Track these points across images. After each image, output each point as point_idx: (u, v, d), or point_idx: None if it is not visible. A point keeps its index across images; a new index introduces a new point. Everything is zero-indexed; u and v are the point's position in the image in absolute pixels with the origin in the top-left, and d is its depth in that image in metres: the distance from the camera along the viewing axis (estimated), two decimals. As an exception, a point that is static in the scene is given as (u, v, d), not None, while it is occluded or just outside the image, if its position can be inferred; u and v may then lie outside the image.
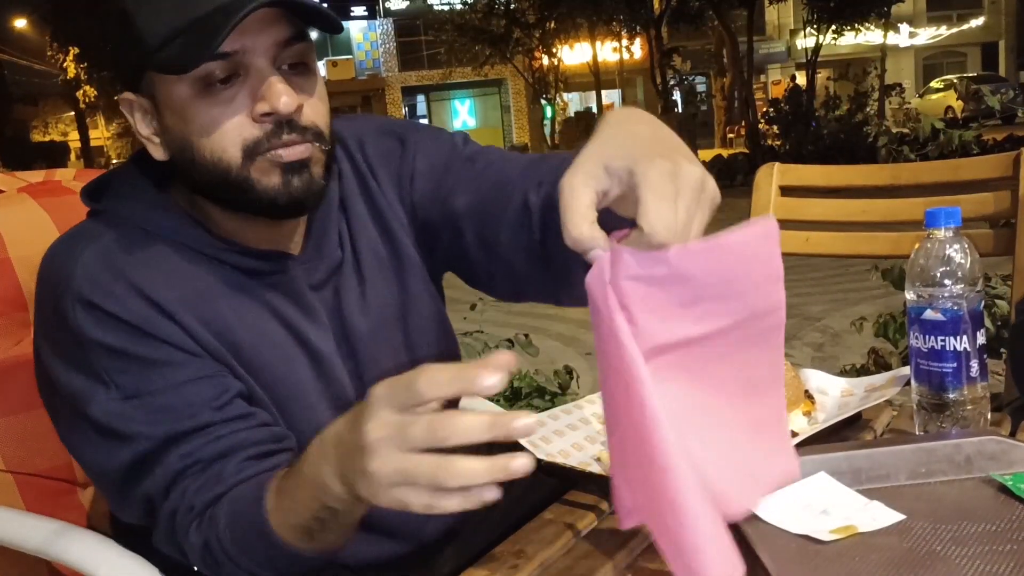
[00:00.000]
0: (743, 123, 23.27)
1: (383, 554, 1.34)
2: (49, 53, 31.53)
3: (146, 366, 1.13)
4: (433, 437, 0.83)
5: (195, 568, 1.14)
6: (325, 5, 1.19)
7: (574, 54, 24.29)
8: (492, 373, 0.82)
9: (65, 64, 30.70)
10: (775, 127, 19.34)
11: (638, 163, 0.90)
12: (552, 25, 21.91)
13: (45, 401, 1.24)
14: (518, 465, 0.82)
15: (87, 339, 1.12)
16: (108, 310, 1.13)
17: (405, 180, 1.38)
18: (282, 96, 1.12)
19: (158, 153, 1.20)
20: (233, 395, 1.16)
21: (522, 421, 0.82)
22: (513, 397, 3.51)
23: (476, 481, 0.83)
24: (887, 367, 3.45)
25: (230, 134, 1.13)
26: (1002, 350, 2.28)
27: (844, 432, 1.40)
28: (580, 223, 0.90)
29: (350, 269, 1.32)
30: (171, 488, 1.12)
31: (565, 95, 25.30)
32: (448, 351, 1.43)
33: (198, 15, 1.09)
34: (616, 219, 0.93)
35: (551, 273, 1.25)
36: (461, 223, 1.32)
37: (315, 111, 1.18)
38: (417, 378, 0.83)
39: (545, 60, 23.01)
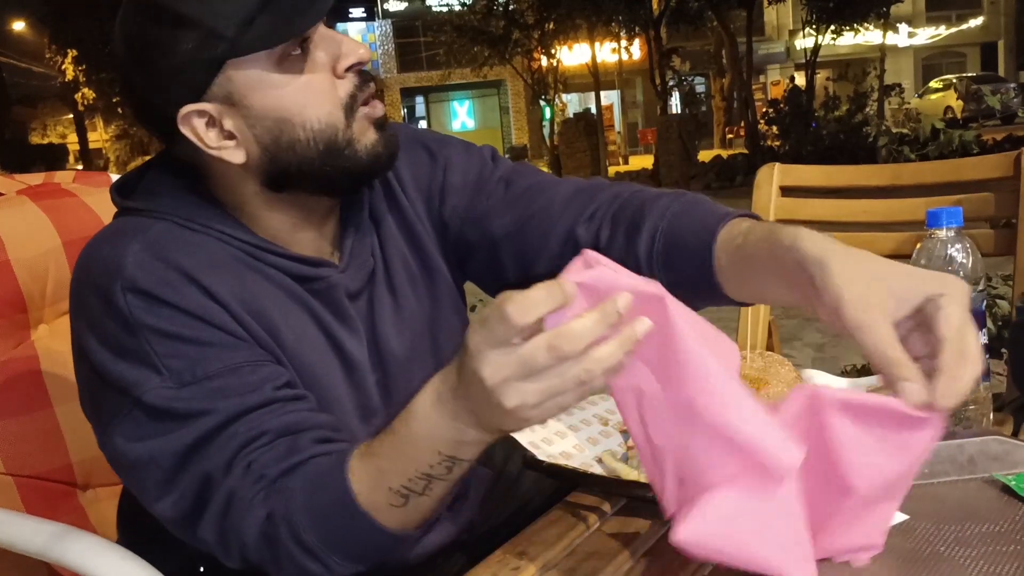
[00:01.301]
0: (742, 124, 23.27)
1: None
2: (48, 55, 31.51)
3: (202, 349, 1.11)
4: (559, 355, 0.87)
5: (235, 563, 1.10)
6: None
7: (573, 55, 24.25)
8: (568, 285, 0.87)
9: (64, 66, 30.69)
10: (774, 128, 19.35)
11: (946, 300, 0.91)
12: (551, 26, 21.84)
13: (85, 397, 1.21)
14: (642, 328, 0.88)
15: (140, 325, 1.10)
16: (162, 297, 1.10)
17: (435, 194, 1.38)
18: (359, 47, 1.18)
19: (237, 156, 1.17)
20: (287, 380, 1.15)
21: (624, 299, 0.87)
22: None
23: (615, 361, 0.88)
24: (888, 367, 3.45)
25: (329, 95, 1.17)
26: (1003, 350, 2.27)
27: (846, 433, 1.40)
28: (905, 365, 0.90)
29: (382, 280, 1.32)
30: (234, 460, 1.07)
31: (564, 96, 25.30)
32: None
33: None
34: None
35: None
36: (499, 245, 1.34)
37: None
38: (505, 309, 0.86)
39: (544, 61, 22.98)
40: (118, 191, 1.24)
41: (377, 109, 1.22)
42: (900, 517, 1.05)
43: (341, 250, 1.29)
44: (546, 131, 24.29)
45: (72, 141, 38.60)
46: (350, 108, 1.18)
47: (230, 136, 1.16)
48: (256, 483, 1.07)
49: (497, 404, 0.90)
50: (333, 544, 1.05)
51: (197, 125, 1.15)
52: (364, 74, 1.20)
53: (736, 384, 0.90)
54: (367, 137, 1.20)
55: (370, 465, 1.04)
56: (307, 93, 1.16)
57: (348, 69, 1.18)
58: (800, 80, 24.01)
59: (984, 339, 1.26)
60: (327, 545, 1.05)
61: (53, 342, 1.58)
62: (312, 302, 1.23)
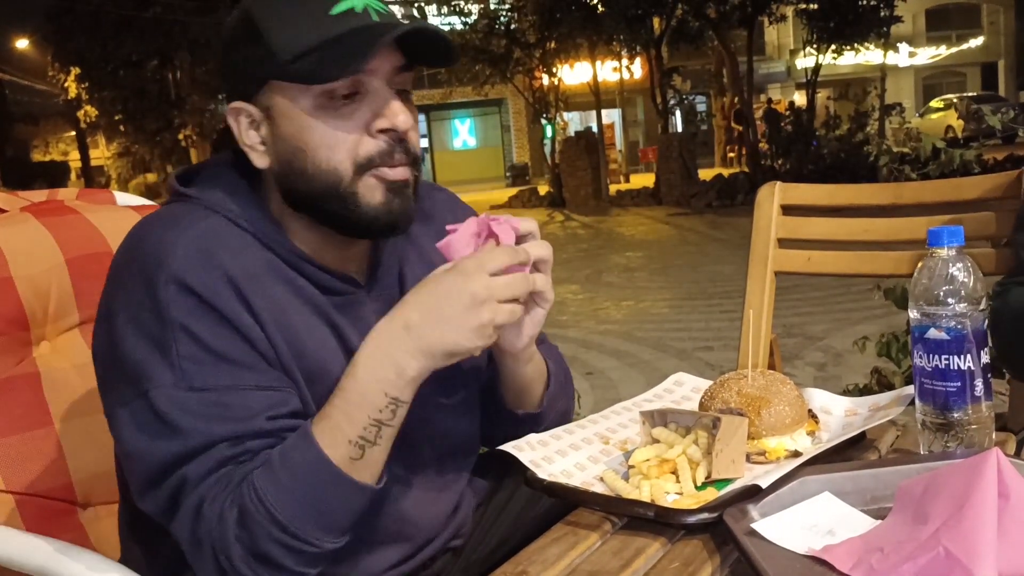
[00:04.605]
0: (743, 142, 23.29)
1: (385, 567, 1.36)
2: (50, 73, 31.57)
3: (220, 361, 1.17)
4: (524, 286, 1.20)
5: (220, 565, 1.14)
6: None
7: (574, 74, 24.24)
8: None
9: (66, 84, 30.75)
10: (767, 144, 19.40)
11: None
12: (552, 45, 21.84)
13: (98, 368, 1.25)
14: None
15: (173, 320, 1.16)
16: (202, 295, 1.17)
17: None
18: (400, 115, 1.24)
19: (261, 161, 1.27)
20: (289, 410, 1.20)
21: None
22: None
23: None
24: (890, 387, 3.44)
25: (347, 146, 1.23)
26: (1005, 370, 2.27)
27: (848, 452, 1.39)
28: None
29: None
30: (211, 472, 1.14)
31: (565, 114, 25.29)
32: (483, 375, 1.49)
33: (332, 35, 1.20)
34: None
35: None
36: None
37: (416, 137, 1.28)
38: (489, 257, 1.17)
39: (545, 80, 22.98)
40: (178, 178, 1.32)
41: (393, 173, 1.26)
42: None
43: (368, 272, 1.35)
44: (547, 149, 24.28)
45: (74, 158, 38.64)
46: (362, 167, 1.23)
47: (262, 142, 1.26)
48: (225, 488, 1.13)
49: (468, 317, 1.14)
50: (306, 514, 1.12)
51: (241, 120, 1.27)
52: (401, 142, 1.25)
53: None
54: (374, 197, 1.25)
55: (325, 427, 1.15)
56: (327, 137, 1.23)
57: (380, 131, 1.24)
58: (801, 99, 24.03)
59: (986, 358, 1.26)
60: (300, 517, 1.12)
61: (55, 359, 1.58)
62: (335, 316, 1.29)
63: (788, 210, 2.21)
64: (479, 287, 1.15)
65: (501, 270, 1.17)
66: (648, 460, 1.31)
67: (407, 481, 1.37)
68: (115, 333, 1.19)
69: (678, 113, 28.11)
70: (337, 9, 1.22)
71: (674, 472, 1.29)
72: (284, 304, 1.24)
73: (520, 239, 1.27)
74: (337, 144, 1.23)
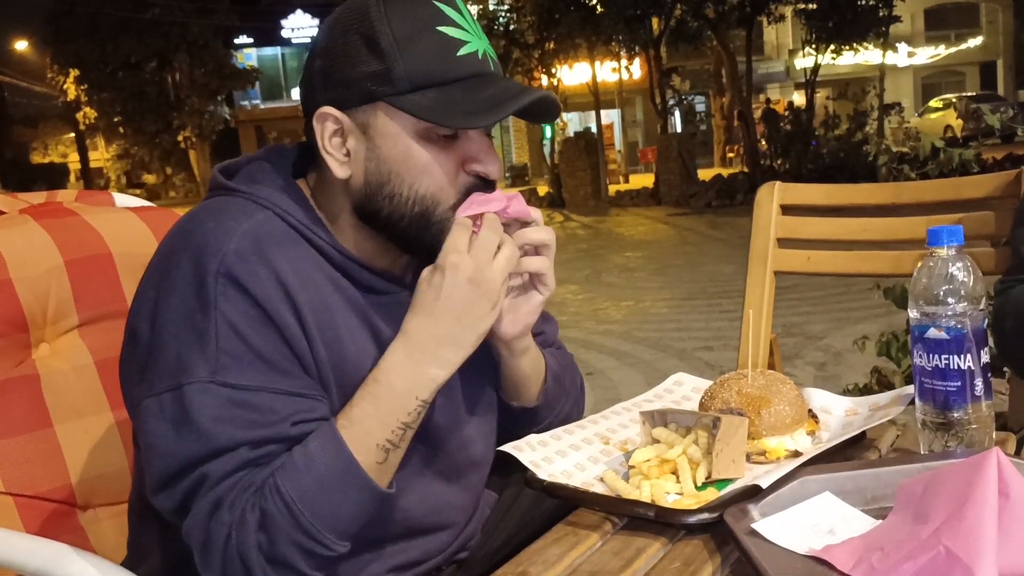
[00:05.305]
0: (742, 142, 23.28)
1: (386, 569, 1.36)
2: (49, 75, 31.60)
3: (257, 361, 1.17)
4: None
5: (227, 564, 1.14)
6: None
7: (573, 74, 24.25)
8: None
9: (65, 86, 30.76)
10: (767, 144, 19.41)
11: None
12: (551, 46, 21.84)
13: (133, 360, 1.24)
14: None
15: (219, 313, 1.16)
16: (250, 290, 1.17)
17: None
18: (493, 164, 1.28)
19: (341, 172, 1.27)
20: (314, 416, 1.19)
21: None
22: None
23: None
24: (890, 386, 3.44)
25: (447, 178, 1.26)
26: (1005, 369, 2.27)
27: (849, 452, 1.39)
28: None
29: None
30: (230, 473, 1.14)
31: (564, 115, 25.30)
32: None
33: (455, 77, 1.23)
34: None
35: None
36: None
37: None
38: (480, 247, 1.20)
39: (544, 80, 23.01)
40: (221, 171, 1.32)
41: None
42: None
43: (409, 271, 1.36)
44: (546, 150, 24.30)
45: (73, 160, 38.68)
46: (462, 197, 1.26)
47: (347, 154, 1.25)
48: (244, 492, 1.13)
49: (497, 306, 1.21)
50: (328, 518, 1.13)
51: (327, 127, 1.26)
52: (486, 184, 1.29)
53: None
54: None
55: (355, 432, 1.17)
56: (429, 167, 1.24)
57: (474, 172, 1.27)
58: (800, 99, 24.04)
59: (986, 358, 1.26)
60: (323, 521, 1.12)
61: (54, 361, 1.58)
62: (376, 319, 1.30)
63: (787, 210, 2.21)
64: (496, 276, 1.21)
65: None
66: (648, 460, 1.31)
67: (423, 488, 1.37)
68: (158, 321, 1.19)
69: (677, 113, 28.15)
70: (463, 51, 1.23)
71: (674, 472, 1.29)
72: (329, 304, 1.25)
73: (524, 225, 1.30)
74: (438, 175, 1.25)
